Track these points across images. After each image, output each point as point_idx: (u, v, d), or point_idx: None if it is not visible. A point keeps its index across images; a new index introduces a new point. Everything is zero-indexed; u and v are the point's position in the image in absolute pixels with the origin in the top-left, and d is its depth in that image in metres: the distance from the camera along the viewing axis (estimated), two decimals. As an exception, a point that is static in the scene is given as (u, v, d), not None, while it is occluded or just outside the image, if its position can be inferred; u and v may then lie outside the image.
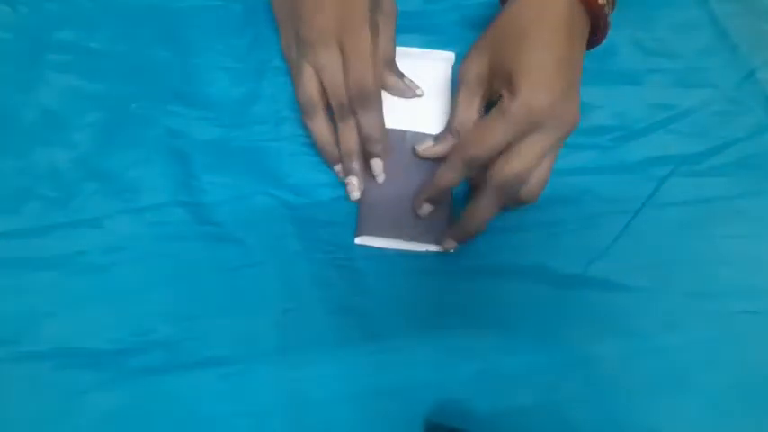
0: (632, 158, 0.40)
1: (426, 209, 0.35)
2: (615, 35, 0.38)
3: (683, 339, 0.35)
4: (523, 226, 0.37)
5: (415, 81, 0.39)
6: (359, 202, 0.37)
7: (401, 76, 0.39)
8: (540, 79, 0.31)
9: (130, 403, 0.31)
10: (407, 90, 0.39)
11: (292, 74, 0.38)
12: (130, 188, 0.36)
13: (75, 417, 0.31)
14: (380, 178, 0.36)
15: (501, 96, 0.33)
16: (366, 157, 0.36)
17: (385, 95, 0.39)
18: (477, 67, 0.35)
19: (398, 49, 0.39)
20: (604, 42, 0.37)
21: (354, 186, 0.36)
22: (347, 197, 0.36)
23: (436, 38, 0.43)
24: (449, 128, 0.36)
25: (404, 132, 0.38)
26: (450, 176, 0.34)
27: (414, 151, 0.37)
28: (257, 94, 0.40)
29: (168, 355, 0.32)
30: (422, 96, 0.39)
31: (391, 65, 0.39)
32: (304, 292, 0.34)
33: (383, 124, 0.36)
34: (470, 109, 0.35)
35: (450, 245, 0.35)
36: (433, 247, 0.36)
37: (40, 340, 0.32)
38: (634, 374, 0.34)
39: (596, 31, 0.35)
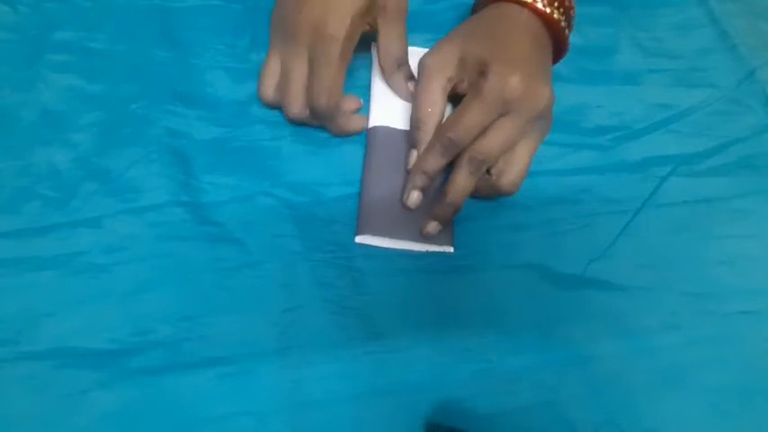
0: (632, 158, 0.40)
1: (415, 197, 0.35)
2: (615, 35, 0.38)
3: (683, 339, 0.35)
4: (523, 226, 0.37)
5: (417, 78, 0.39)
6: (360, 201, 0.37)
7: (410, 77, 0.39)
8: (511, 63, 0.33)
9: (130, 403, 0.31)
10: (410, 96, 0.38)
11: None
12: (130, 188, 0.36)
13: (75, 417, 0.31)
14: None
15: (473, 84, 0.34)
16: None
17: (387, 93, 0.39)
18: (442, 56, 0.35)
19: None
20: (604, 42, 0.37)
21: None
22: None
23: (436, 37, 0.42)
24: (412, 119, 0.36)
25: (404, 132, 0.38)
26: (430, 160, 0.34)
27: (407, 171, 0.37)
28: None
29: (168, 355, 0.32)
30: None
31: (399, 64, 0.38)
32: (304, 292, 0.34)
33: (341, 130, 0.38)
34: (431, 96, 0.35)
35: (432, 227, 0.35)
36: (433, 248, 0.36)
37: (40, 340, 0.32)
38: (634, 374, 0.34)
39: (558, 49, 0.38)
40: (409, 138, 0.37)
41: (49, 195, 0.36)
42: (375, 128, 0.38)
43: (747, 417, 0.34)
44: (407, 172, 0.36)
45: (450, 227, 0.36)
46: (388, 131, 0.38)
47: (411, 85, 0.38)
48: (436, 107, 0.35)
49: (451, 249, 0.36)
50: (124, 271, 0.34)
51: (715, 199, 0.39)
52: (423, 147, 0.36)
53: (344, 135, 0.38)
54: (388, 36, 0.37)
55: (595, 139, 0.40)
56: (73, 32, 0.41)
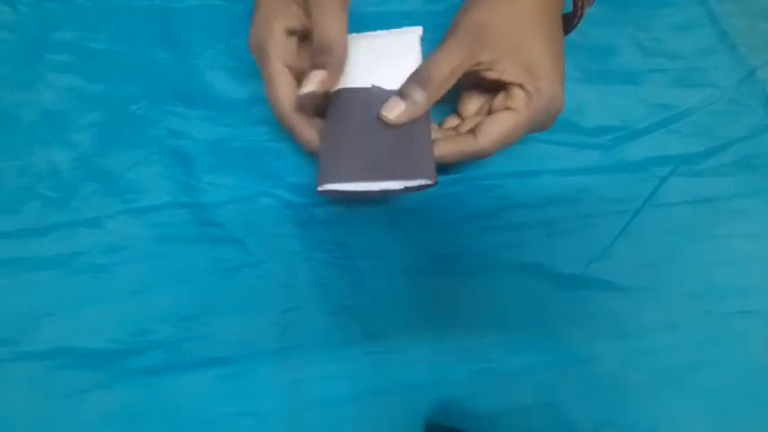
0: (632, 158, 0.40)
1: None
2: (615, 35, 0.38)
3: (682, 339, 0.35)
4: (523, 225, 0.37)
5: (382, 51, 0.36)
6: (319, 153, 0.32)
7: (339, 68, 0.32)
8: (558, 77, 0.32)
9: (130, 403, 0.31)
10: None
11: None
12: (131, 188, 0.36)
13: (75, 417, 0.31)
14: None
15: (511, 86, 0.32)
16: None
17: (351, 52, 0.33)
18: (481, 39, 0.33)
19: (364, 34, 0.36)
20: (604, 42, 0.37)
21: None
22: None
23: (437, 37, 0.42)
24: (418, 75, 0.32)
25: (362, 89, 0.34)
26: (450, 157, 0.33)
27: (382, 118, 0.32)
28: (258, 95, 0.40)
29: (168, 355, 0.32)
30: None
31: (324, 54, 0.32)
32: (304, 292, 0.34)
33: (307, 141, 0.33)
34: (454, 69, 0.32)
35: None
36: (411, 182, 0.31)
37: (40, 340, 0.32)
38: (633, 374, 0.34)
39: (570, 22, 0.36)
40: (403, 88, 0.32)
41: (49, 195, 0.36)
42: (336, 91, 0.34)
43: (746, 416, 0.34)
44: (381, 120, 0.32)
45: (431, 158, 0.32)
46: (348, 92, 0.34)
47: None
48: (450, 81, 0.32)
49: (431, 181, 0.31)
50: (124, 271, 0.34)
51: (715, 199, 0.39)
52: (422, 106, 0.32)
53: (306, 147, 0.34)
54: (315, 22, 0.32)
55: (595, 139, 0.40)
56: (73, 32, 0.41)
